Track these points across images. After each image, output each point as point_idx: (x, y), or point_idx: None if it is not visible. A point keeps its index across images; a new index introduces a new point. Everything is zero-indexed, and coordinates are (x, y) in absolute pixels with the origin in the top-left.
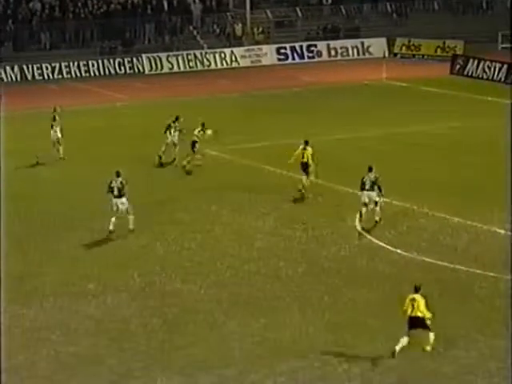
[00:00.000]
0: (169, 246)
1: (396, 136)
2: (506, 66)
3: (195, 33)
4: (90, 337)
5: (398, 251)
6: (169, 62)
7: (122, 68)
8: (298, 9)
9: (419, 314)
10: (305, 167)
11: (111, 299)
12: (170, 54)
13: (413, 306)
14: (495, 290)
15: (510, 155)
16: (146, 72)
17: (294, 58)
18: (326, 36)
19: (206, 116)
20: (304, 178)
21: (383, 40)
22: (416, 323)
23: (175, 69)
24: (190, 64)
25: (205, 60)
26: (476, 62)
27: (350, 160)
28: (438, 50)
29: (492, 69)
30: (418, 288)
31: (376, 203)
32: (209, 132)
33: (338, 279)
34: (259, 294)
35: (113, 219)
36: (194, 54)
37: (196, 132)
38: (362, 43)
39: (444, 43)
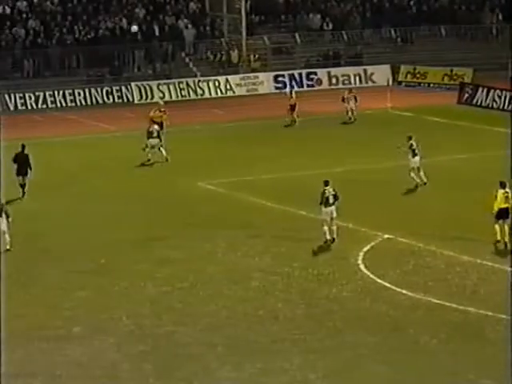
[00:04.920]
0: (159, 286)
1: (401, 168)
2: None
3: (188, 60)
4: (75, 383)
5: (404, 292)
6: (160, 90)
7: (110, 97)
8: (297, 34)
9: None
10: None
11: (98, 343)
12: (161, 82)
13: None
14: (508, 332)
15: None
16: (136, 101)
17: (292, 87)
18: (326, 63)
19: (198, 147)
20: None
21: (387, 67)
22: None
23: (166, 97)
24: (183, 93)
25: (198, 88)
26: (485, 90)
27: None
28: (445, 77)
29: (502, 98)
30: None
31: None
32: None
33: (340, 322)
34: (256, 337)
35: None
36: (187, 82)
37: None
38: (365, 70)
39: (451, 71)
